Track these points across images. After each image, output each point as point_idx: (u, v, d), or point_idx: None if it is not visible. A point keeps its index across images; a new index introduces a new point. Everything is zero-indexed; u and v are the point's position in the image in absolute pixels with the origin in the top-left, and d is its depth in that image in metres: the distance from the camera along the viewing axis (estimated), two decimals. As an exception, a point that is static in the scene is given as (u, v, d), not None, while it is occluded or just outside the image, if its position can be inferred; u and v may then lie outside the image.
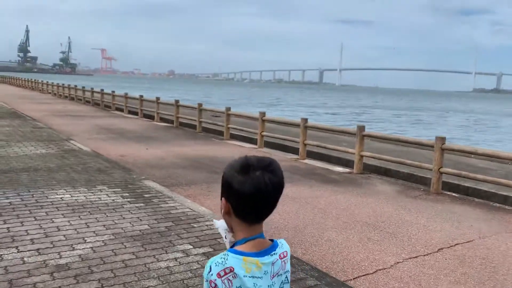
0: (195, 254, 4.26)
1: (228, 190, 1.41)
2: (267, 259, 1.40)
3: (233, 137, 14.24)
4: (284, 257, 1.46)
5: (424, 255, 4.94)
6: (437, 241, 5.41)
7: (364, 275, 4.31)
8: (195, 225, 5.07)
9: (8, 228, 4.62)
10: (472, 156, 10.81)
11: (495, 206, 7.43)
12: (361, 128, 9.54)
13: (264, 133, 12.49)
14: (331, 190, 7.87)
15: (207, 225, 5.06)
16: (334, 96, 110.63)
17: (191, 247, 4.43)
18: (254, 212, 1.41)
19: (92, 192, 6.24)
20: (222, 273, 1.35)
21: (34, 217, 5.02)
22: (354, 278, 4.22)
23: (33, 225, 4.75)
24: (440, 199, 7.66)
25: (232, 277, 1.35)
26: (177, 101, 16.95)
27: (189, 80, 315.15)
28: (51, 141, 11.11)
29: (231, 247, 1.43)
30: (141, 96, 20.18)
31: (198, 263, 4.07)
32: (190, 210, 5.70)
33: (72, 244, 4.27)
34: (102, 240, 4.42)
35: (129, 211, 5.48)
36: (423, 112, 58.44)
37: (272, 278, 1.41)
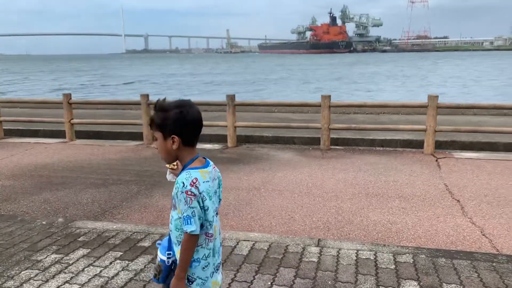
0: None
1: (182, 125, 1.89)
2: (209, 168, 1.97)
3: (8, 133, 10.28)
4: (215, 167, 2.03)
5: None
6: (436, 192, 5.77)
7: None
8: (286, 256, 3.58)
9: None
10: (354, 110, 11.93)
11: (379, 150, 8.42)
12: (232, 98, 8.68)
13: (74, 121, 9.57)
14: (282, 169, 6.98)
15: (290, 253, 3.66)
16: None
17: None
18: (196, 135, 1.96)
19: (94, 265, 3.38)
20: (192, 183, 1.85)
21: None
22: None
23: None
24: (346, 154, 8.05)
25: (198, 184, 1.87)
26: None
27: None
28: None
29: (182, 169, 1.94)
30: None
31: None
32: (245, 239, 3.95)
33: None
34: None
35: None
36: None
37: (213, 181, 1.97)
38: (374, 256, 3.63)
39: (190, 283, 1.95)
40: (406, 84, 34.88)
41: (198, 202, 1.87)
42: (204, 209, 1.89)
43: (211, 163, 2.02)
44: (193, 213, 1.85)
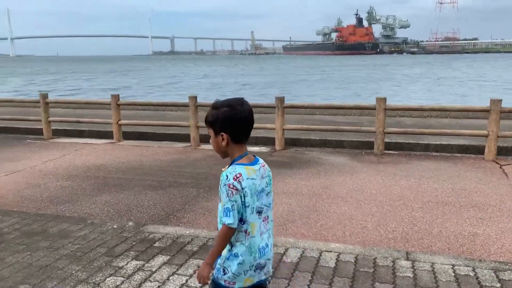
0: None
1: (230, 123, 1.91)
2: (257, 166, 1.98)
3: (55, 133, 10.39)
4: (264, 165, 2.03)
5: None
6: (511, 202, 5.45)
7: None
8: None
9: None
10: (400, 113, 11.58)
11: (436, 155, 8.09)
12: (281, 100, 8.51)
13: (122, 122, 9.58)
14: (338, 174, 6.78)
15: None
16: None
17: None
18: (246, 133, 1.96)
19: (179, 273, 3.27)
20: (235, 177, 1.87)
21: None
22: None
23: None
24: (402, 159, 7.76)
25: (241, 179, 1.88)
26: None
27: None
28: None
29: (230, 164, 1.96)
30: None
31: None
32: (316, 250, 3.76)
33: None
34: None
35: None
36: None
37: (261, 179, 1.97)
38: (474, 273, 3.38)
39: (224, 274, 1.99)
40: (441, 87, 34.02)
41: (240, 197, 1.89)
42: (245, 205, 1.91)
43: (261, 161, 2.03)
44: (233, 206, 1.88)
